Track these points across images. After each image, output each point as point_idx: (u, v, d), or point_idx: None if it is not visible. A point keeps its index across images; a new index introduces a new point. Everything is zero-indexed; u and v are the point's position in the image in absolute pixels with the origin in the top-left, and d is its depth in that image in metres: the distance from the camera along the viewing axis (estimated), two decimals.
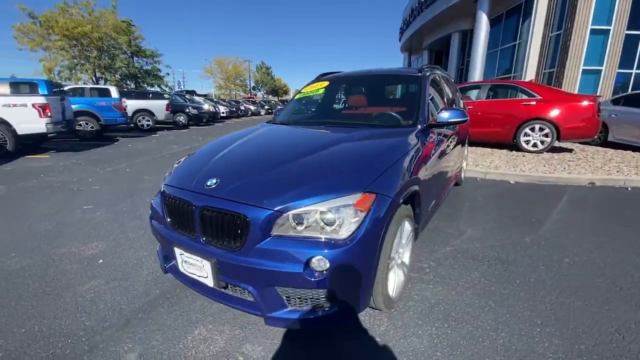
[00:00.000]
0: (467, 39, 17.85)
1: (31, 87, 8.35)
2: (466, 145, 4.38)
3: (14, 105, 7.10)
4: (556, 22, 12.39)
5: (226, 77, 52.41)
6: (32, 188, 4.43)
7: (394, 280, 1.85)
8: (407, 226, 1.96)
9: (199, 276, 1.60)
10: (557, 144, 6.48)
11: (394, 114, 2.61)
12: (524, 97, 6.40)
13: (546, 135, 6.14)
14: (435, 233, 2.95)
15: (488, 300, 1.98)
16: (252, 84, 58.90)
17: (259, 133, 2.52)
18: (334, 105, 3.22)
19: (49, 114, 7.38)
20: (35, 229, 3.02)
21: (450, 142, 3.02)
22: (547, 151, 6.31)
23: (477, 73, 14.49)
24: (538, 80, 12.74)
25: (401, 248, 1.95)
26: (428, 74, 2.82)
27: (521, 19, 13.95)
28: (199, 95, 22.07)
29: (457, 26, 18.31)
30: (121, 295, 2.03)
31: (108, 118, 10.79)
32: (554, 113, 5.99)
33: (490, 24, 14.38)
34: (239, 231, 1.46)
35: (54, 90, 8.42)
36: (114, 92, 11.36)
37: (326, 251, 1.36)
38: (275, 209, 1.42)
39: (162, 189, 1.87)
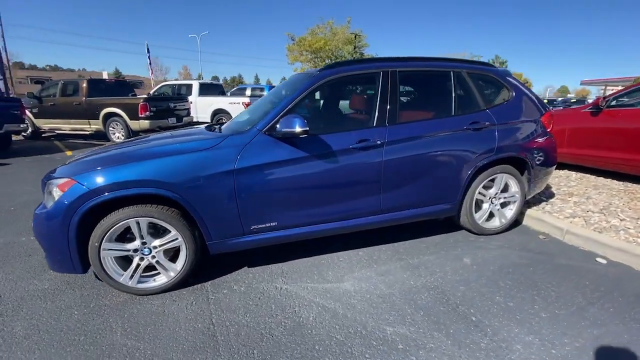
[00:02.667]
0: None
1: (261, 90, 13.45)
2: (515, 173, 2.82)
3: (233, 103, 11.04)
4: None
5: None
6: None
7: (133, 272, 2.08)
8: (173, 231, 2.07)
9: None
10: None
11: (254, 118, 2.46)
12: None
13: None
14: (307, 266, 2.48)
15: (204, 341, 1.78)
16: None
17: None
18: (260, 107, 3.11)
19: None
20: None
21: (380, 156, 2.41)
22: None
23: None
24: None
25: (160, 249, 2.09)
26: (321, 74, 2.39)
27: None
28: None
29: None
30: None
31: None
32: None
33: None
34: None
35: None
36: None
37: (35, 212, 1.99)
38: (44, 179, 2.17)
39: None
